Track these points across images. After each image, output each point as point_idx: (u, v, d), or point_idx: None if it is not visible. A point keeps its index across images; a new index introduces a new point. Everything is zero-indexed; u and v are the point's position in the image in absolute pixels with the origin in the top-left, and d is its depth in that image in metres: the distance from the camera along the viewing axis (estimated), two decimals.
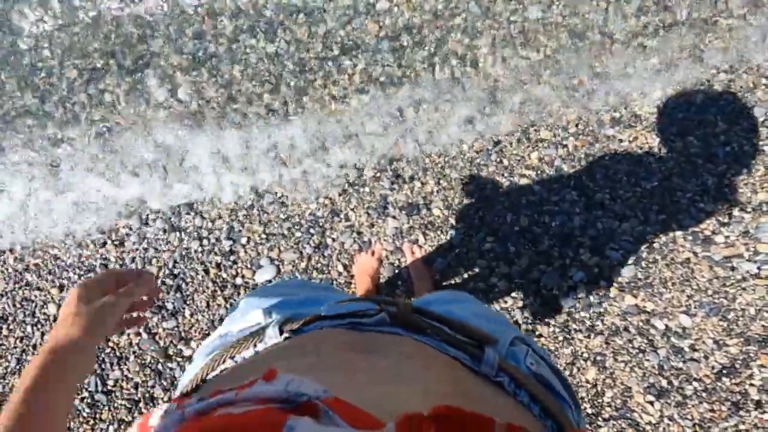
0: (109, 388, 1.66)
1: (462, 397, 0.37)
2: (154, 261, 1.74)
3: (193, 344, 1.66)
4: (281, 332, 0.47)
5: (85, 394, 1.65)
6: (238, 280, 1.70)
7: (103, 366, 1.67)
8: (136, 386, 1.64)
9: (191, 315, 1.69)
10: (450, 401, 0.34)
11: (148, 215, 1.78)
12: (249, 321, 0.56)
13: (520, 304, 1.61)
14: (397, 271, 1.68)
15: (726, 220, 1.60)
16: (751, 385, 1.47)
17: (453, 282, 1.66)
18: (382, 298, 0.48)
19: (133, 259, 1.75)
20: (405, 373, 0.37)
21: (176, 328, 1.68)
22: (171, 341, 1.66)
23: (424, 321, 0.46)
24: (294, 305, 0.58)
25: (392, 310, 0.46)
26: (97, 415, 1.63)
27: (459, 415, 0.24)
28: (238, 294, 1.70)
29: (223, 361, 0.47)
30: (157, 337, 1.67)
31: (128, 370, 1.66)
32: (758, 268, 1.54)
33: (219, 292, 1.69)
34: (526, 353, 0.48)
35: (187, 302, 1.70)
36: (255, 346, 0.47)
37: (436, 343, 0.44)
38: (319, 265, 1.70)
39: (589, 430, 1.49)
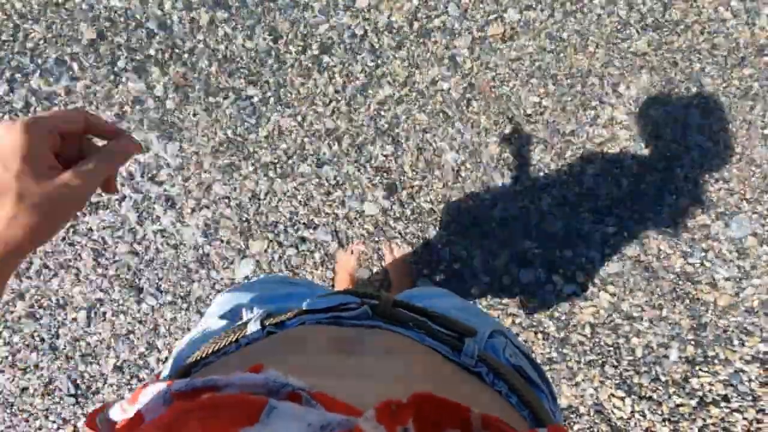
0: None
1: (441, 387, 0.38)
2: None
3: None
4: (263, 327, 0.47)
5: None
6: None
7: None
8: None
9: None
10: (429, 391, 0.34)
11: None
12: (229, 316, 0.55)
13: (500, 302, 1.64)
14: (377, 269, 1.68)
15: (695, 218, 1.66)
16: (718, 381, 1.53)
17: (432, 281, 1.67)
18: (364, 291, 0.49)
19: None
20: (386, 370, 0.38)
21: None
22: None
23: (406, 314, 0.46)
24: (275, 300, 0.58)
25: (374, 303, 0.47)
26: None
27: (436, 402, 0.24)
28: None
29: (205, 356, 0.47)
30: None
31: None
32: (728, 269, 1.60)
33: None
34: (504, 345, 0.49)
35: None
36: (237, 341, 0.47)
37: (417, 335, 0.45)
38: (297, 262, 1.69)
39: (565, 425, 1.52)
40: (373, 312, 0.46)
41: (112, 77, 1.75)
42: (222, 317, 0.55)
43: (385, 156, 1.71)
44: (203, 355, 0.46)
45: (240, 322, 0.50)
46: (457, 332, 0.46)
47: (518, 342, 0.53)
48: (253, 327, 0.47)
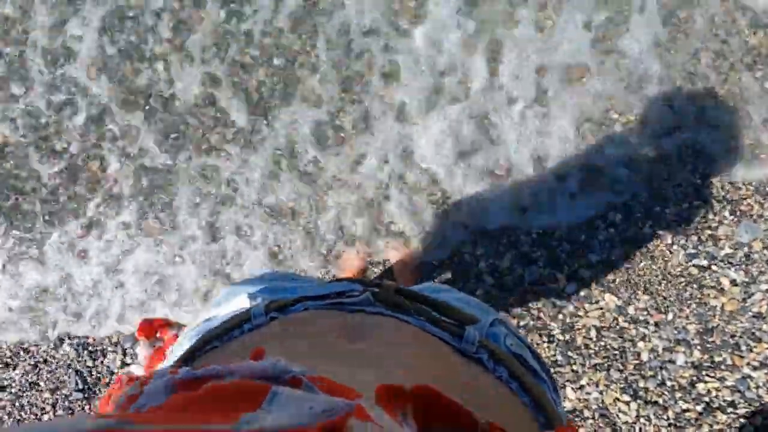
0: None
1: (442, 372, 0.39)
2: None
3: None
4: (267, 313, 0.48)
5: None
6: None
7: None
8: None
9: None
10: (430, 380, 0.35)
11: None
12: (234, 305, 0.56)
13: (504, 303, 1.64)
14: (381, 270, 1.69)
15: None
16: (725, 386, 1.51)
17: (437, 281, 1.67)
18: (367, 279, 0.49)
19: None
20: (388, 356, 0.38)
21: None
22: None
23: (407, 301, 0.47)
24: (279, 291, 0.59)
25: (376, 291, 0.48)
26: None
27: (441, 401, 0.24)
28: None
29: (210, 342, 0.48)
30: None
31: None
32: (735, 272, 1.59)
33: None
34: (505, 334, 0.49)
35: None
36: (241, 326, 0.48)
37: (419, 322, 0.45)
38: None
39: (574, 421, 1.51)
40: (375, 299, 0.47)
41: None
42: (226, 307, 0.56)
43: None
44: (207, 340, 0.47)
45: (244, 309, 0.51)
46: (458, 320, 0.47)
47: (519, 333, 0.54)
48: (257, 313, 0.47)
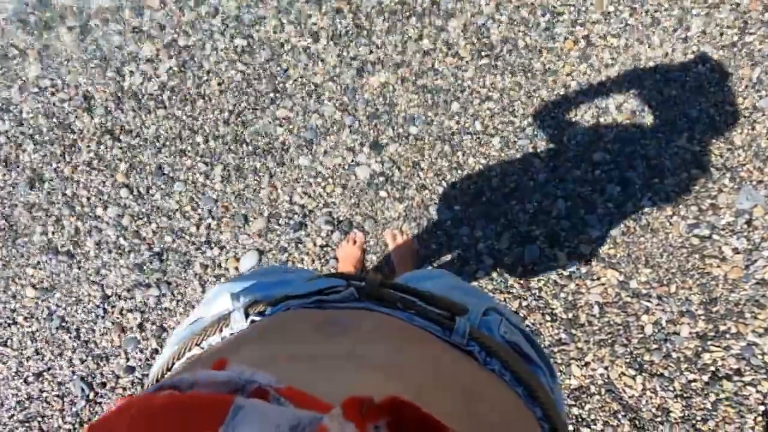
0: None
1: (430, 368, 0.37)
2: None
3: None
4: (247, 315, 0.47)
5: None
6: None
7: None
8: None
9: None
10: (417, 378, 0.33)
11: None
12: (218, 307, 0.54)
13: (505, 284, 1.62)
14: (380, 256, 1.68)
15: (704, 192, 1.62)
16: (730, 355, 1.50)
17: (436, 265, 1.66)
18: (351, 274, 0.47)
19: None
20: (373, 351, 0.36)
21: None
22: None
23: (393, 294, 0.45)
24: (264, 288, 0.57)
25: (360, 285, 0.46)
26: None
27: (415, 415, 0.22)
28: None
29: (190, 349, 0.46)
30: None
31: None
32: (737, 240, 1.57)
33: None
34: (499, 322, 0.47)
35: None
36: (221, 331, 0.46)
37: (406, 315, 0.44)
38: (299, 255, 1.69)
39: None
40: (360, 294, 0.45)
41: None
42: (211, 309, 0.55)
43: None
44: (188, 349, 0.45)
45: (225, 313, 0.49)
46: (448, 311, 0.45)
47: (514, 319, 0.52)
48: (237, 316, 0.46)
